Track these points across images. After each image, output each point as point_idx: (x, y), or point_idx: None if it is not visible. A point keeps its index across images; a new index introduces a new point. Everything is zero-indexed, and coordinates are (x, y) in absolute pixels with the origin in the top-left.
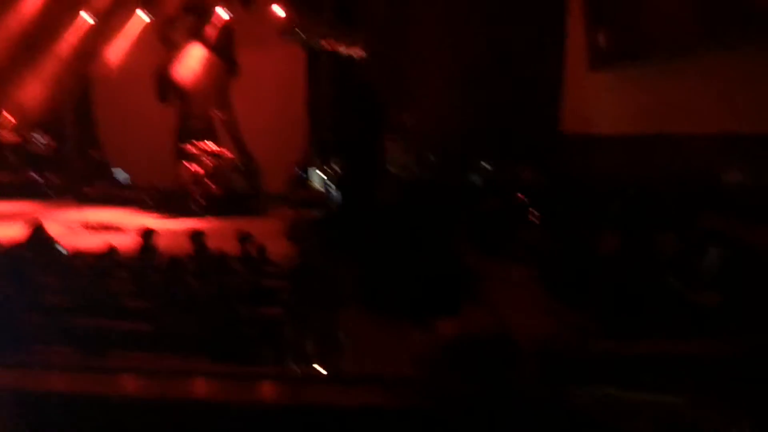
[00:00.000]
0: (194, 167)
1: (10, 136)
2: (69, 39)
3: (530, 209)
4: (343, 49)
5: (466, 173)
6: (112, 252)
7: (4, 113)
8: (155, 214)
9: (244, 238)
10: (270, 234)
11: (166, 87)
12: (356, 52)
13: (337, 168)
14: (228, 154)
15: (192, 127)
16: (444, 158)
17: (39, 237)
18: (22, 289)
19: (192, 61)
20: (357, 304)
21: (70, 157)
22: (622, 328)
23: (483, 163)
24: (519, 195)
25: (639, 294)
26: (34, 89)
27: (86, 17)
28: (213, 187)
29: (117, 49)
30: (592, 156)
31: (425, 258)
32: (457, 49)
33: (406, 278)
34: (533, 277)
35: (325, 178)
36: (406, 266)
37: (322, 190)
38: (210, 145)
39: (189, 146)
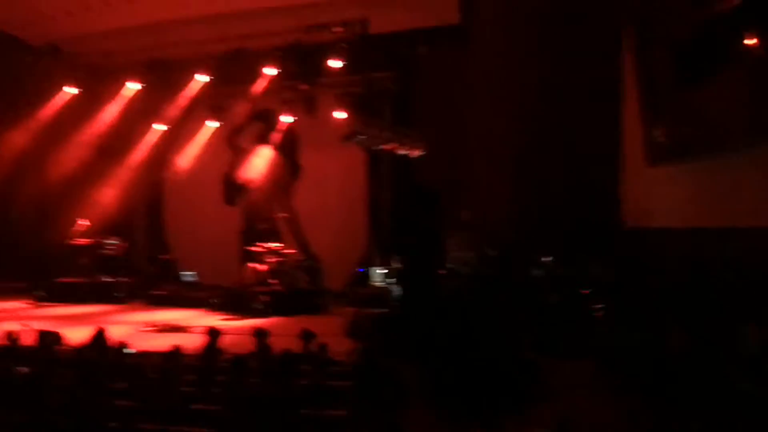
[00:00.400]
0: (258, 267)
1: (84, 241)
2: (142, 147)
3: (595, 304)
4: (402, 151)
5: (528, 269)
6: (177, 353)
7: (80, 219)
8: (221, 314)
9: (307, 336)
10: (332, 332)
11: (232, 190)
12: (415, 153)
13: (397, 265)
14: (291, 253)
15: (257, 228)
16: (505, 254)
17: (100, 341)
18: (95, 393)
19: (258, 164)
20: (421, 404)
21: (140, 260)
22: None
23: (545, 258)
24: (583, 290)
25: (713, 393)
26: (108, 195)
27: (159, 126)
28: (276, 285)
29: (187, 156)
30: (654, 249)
31: (489, 356)
32: (516, 146)
33: (471, 377)
34: (600, 374)
35: (386, 275)
36: (469, 365)
37: (383, 287)
38: (274, 245)
39: (254, 247)
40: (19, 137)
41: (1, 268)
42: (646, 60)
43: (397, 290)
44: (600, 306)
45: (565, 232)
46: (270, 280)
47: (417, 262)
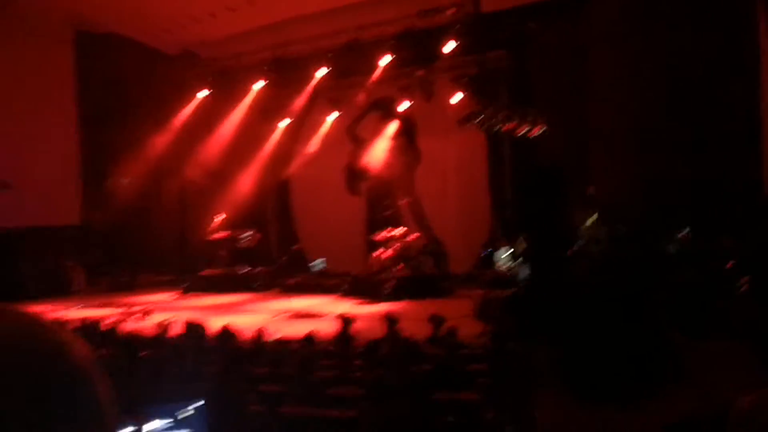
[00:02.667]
0: (385, 253)
1: (221, 234)
2: (270, 142)
3: (735, 279)
4: (522, 130)
5: (660, 244)
6: (312, 339)
7: (217, 215)
8: (351, 300)
9: (436, 320)
10: (460, 315)
11: (355, 180)
12: (536, 132)
13: (523, 246)
14: (416, 238)
15: (381, 216)
16: (636, 230)
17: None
18: (243, 379)
19: (378, 153)
20: (554, 386)
21: (272, 250)
22: None
23: (679, 233)
24: (725, 265)
25: None
26: (242, 189)
27: (283, 122)
28: (402, 270)
29: (311, 149)
30: None
31: (624, 335)
32: (645, 116)
33: (606, 358)
34: (742, 352)
35: (512, 256)
36: (604, 345)
37: (510, 268)
38: (398, 231)
39: (379, 234)
40: (160, 141)
41: (148, 262)
42: None
43: (524, 270)
44: (744, 281)
45: (700, 203)
46: (396, 266)
47: (544, 242)
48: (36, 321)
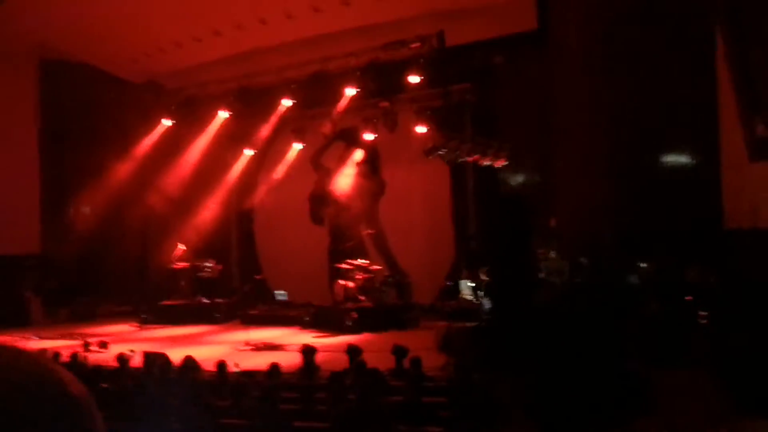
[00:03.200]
0: (347, 284)
1: (182, 264)
2: (233, 172)
3: (699, 311)
4: (486, 162)
5: (623, 276)
6: (277, 371)
7: (179, 244)
8: (313, 331)
9: (399, 352)
10: (423, 347)
11: (319, 210)
12: (499, 163)
13: (486, 277)
14: (379, 269)
15: (344, 246)
16: (598, 261)
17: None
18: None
19: (342, 183)
20: (519, 419)
21: (234, 281)
22: None
23: (641, 264)
24: (686, 297)
25: None
26: (203, 219)
27: (248, 151)
28: (366, 302)
29: (274, 179)
30: (760, 250)
31: (588, 367)
32: (606, 149)
33: (570, 389)
34: (707, 383)
35: (475, 288)
36: (568, 377)
37: (473, 300)
38: (361, 262)
39: (341, 264)
40: (123, 169)
41: (108, 293)
42: (742, 57)
43: (487, 302)
44: (704, 313)
45: (662, 236)
46: (359, 297)
47: (507, 273)
48: (33, 358)
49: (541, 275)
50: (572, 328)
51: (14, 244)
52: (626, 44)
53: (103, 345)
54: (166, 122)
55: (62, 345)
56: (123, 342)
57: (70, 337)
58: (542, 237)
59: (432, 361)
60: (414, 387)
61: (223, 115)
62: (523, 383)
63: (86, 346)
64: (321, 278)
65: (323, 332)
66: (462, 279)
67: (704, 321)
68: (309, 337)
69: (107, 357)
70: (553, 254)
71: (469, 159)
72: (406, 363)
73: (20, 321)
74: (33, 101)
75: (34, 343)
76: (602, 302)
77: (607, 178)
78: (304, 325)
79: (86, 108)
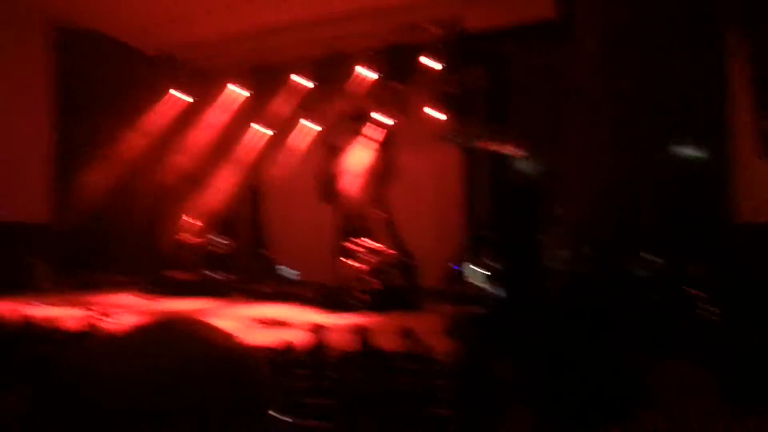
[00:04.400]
0: (354, 264)
1: (192, 239)
2: (245, 148)
3: (702, 304)
4: (497, 147)
5: (626, 267)
6: (289, 348)
7: (188, 218)
8: (320, 310)
9: (406, 334)
10: (429, 330)
11: (328, 189)
12: (512, 150)
13: (494, 263)
14: (387, 250)
15: (352, 226)
16: (603, 251)
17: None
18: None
19: (352, 163)
20: (522, 405)
21: (242, 256)
22: None
23: (646, 256)
24: (689, 289)
25: None
26: (215, 194)
27: (260, 128)
28: (373, 282)
29: (284, 156)
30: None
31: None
32: (615, 140)
33: (570, 379)
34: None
35: (483, 273)
36: (568, 366)
37: (480, 285)
38: (370, 243)
39: (350, 244)
40: (135, 141)
41: (116, 262)
42: (756, 53)
43: (494, 288)
44: (709, 306)
45: (668, 227)
46: (366, 277)
47: (513, 260)
48: (223, 334)
49: (547, 264)
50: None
51: (24, 211)
52: (641, 39)
53: (108, 315)
54: (178, 95)
55: (68, 313)
56: (129, 313)
57: (77, 304)
58: (548, 225)
59: (438, 345)
60: (420, 369)
61: (235, 90)
62: (526, 371)
63: (91, 314)
64: (328, 258)
65: (330, 311)
66: (470, 264)
67: (713, 317)
68: (315, 316)
69: (116, 326)
70: (557, 243)
71: (483, 145)
72: (412, 345)
73: (26, 288)
74: (45, 69)
75: (39, 310)
76: (603, 292)
77: (615, 169)
78: (312, 303)
79: (99, 77)
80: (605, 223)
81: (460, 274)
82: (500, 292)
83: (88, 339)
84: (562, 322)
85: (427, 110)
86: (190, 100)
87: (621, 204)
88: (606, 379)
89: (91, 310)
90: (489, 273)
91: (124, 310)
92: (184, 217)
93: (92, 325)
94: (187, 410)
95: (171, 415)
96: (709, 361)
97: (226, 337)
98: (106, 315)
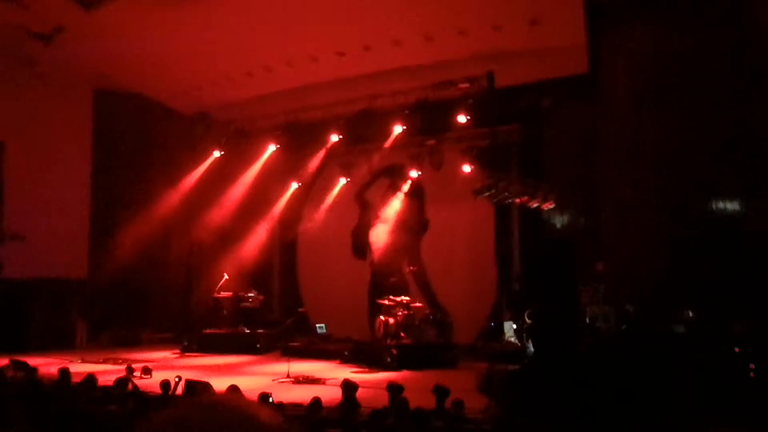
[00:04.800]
0: (388, 320)
1: (226, 294)
2: (278, 205)
3: (746, 362)
4: (534, 204)
5: (670, 324)
6: (318, 405)
7: (223, 274)
8: (353, 366)
9: (440, 392)
10: (463, 387)
11: (361, 245)
12: (547, 205)
13: (529, 320)
14: (420, 306)
15: (385, 282)
16: (644, 309)
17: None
18: None
19: (386, 219)
20: None
21: (275, 312)
22: None
23: (689, 313)
24: (734, 348)
25: None
26: (248, 250)
27: (293, 185)
28: (406, 339)
29: (319, 213)
30: None
31: (634, 415)
32: (653, 194)
33: None
34: None
35: (519, 330)
36: (613, 424)
37: (516, 342)
38: (403, 298)
39: (383, 300)
40: (171, 198)
41: (151, 319)
42: None
43: (530, 346)
44: (752, 365)
45: (708, 286)
46: (399, 334)
47: (551, 317)
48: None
49: (587, 321)
50: (617, 376)
51: (64, 268)
52: (675, 89)
53: (147, 371)
54: (215, 154)
55: (105, 369)
56: (165, 369)
57: (114, 361)
58: (588, 281)
59: (472, 403)
60: (455, 428)
61: (271, 148)
62: (565, 429)
63: (130, 371)
64: (361, 313)
65: (363, 368)
66: (505, 321)
67: (752, 374)
68: (348, 372)
69: (151, 383)
70: (598, 300)
71: (517, 200)
72: (446, 403)
73: (66, 343)
74: (87, 129)
75: (78, 366)
76: (648, 351)
77: (654, 223)
78: (344, 359)
79: (137, 137)
80: (646, 279)
81: (495, 330)
82: (536, 349)
83: (132, 403)
84: (605, 380)
85: (460, 165)
86: (226, 157)
87: (662, 259)
88: None
89: (128, 366)
90: (525, 329)
91: (161, 367)
92: (219, 274)
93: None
94: None
95: None
96: (755, 419)
97: (271, 415)
98: (143, 372)
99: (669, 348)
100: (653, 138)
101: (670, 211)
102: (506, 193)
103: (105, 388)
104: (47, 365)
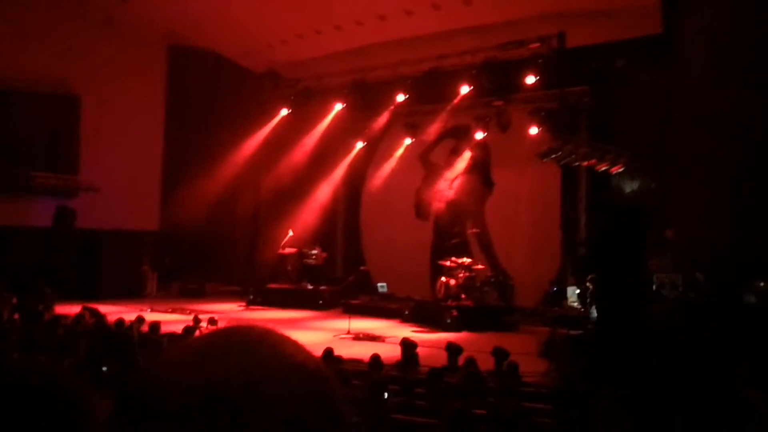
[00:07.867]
0: (449, 281)
1: (290, 250)
2: (344, 163)
3: None
4: (602, 167)
5: (739, 294)
6: (378, 362)
7: (287, 230)
8: (412, 326)
9: (500, 354)
10: (523, 351)
11: (424, 205)
12: (616, 169)
13: (594, 286)
14: (482, 268)
15: (448, 243)
16: (714, 277)
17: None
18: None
19: (450, 179)
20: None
21: (338, 269)
22: None
23: (759, 283)
24: None
25: None
26: (314, 207)
27: (359, 144)
28: (466, 300)
29: (383, 172)
30: None
31: (700, 388)
32: (728, 160)
33: (680, 411)
34: None
35: (582, 295)
36: (678, 397)
37: (578, 307)
38: (464, 260)
39: (445, 261)
40: (240, 155)
41: (219, 273)
42: None
43: (593, 311)
44: None
45: None
46: (460, 295)
47: (616, 283)
48: (294, 345)
49: (654, 288)
50: (684, 346)
51: (137, 220)
52: (756, 54)
53: (213, 322)
54: (283, 112)
55: (173, 319)
56: (230, 321)
57: (181, 311)
58: (657, 248)
59: (531, 366)
60: (512, 390)
61: (337, 107)
62: (627, 398)
63: (196, 321)
64: (423, 273)
65: (422, 327)
66: (569, 285)
67: None
68: (408, 331)
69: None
70: (666, 267)
71: (585, 163)
72: (505, 366)
73: (136, 293)
74: (161, 85)
75: (148, 315)
76: (717, 321)
77: (728, 190)
78: (404, 318)
79: (209, 94)
80: (718, 247)
81: (558, 295)
82: (600, 316)
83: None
84: (670, 349)
85: (527, 127)
86: (293, 115)
87: (734, 228)
88: (716, 412)
89: (195, 316)
90: (589, 295)
91: (226, 318)
92: (284, 230)
93: (196, 331)
94: (250, 420)
95: (228, 426)
96: None
97: (297, 348)
98: (209, 322)
99: (738, 318)
100: (730, 104)
101: (745, 179)
102: (574, 156)
103: (172, 335)
104: (117, 313)
